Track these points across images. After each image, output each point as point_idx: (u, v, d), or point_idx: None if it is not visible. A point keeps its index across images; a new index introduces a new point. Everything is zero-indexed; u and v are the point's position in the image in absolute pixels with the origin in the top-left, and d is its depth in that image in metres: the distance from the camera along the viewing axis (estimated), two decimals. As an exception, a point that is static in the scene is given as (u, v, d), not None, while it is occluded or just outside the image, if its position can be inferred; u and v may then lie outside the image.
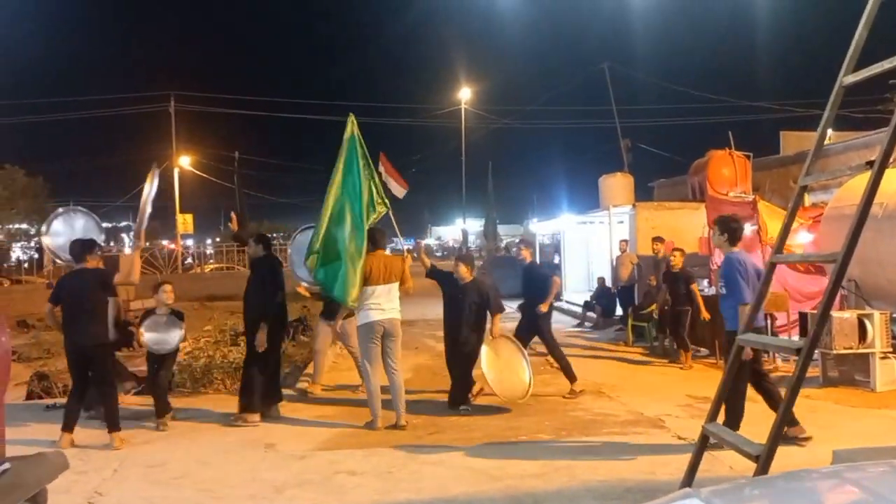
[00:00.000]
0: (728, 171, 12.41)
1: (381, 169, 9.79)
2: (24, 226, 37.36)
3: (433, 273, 7.93)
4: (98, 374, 6.49)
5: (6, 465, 2.82)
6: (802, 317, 8.81)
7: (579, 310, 16.09)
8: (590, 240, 19.58)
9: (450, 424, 7.19)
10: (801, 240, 10.02)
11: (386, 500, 5.07)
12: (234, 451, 6.27)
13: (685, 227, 13.65)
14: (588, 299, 15.77)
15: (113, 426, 6.37)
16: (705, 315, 9.71)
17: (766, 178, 15.72)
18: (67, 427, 6.36)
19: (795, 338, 8.81)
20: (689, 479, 4.15)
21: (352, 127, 7.37)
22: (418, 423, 7.21)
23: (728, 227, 6.20)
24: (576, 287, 19.14)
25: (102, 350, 6.53)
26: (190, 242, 43.33)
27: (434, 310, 19.44)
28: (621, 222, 16.10)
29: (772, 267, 4.10)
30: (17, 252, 38.03)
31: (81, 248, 6.66)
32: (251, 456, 6.17)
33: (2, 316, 3.09)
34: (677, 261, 10.20)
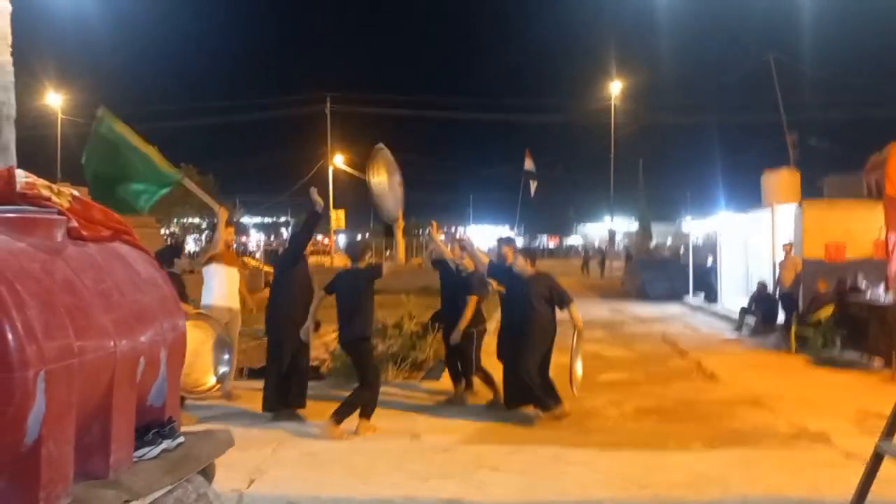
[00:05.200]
0: (911, 166, 11.25)
1: (528, 165, 9.80)
2: (197, 220, 40.59)
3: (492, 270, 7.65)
4: (361, 365, 6.96)
5: (181, 439, 3.06)
6: None
7: (735, 315, 15.24)
8: (749, 240, 18.46)
9: (595, 427, 7.04)
10: None
11: (528, 499, 5.04)
12: (381, 441, 6.48)
13: (859, 227, 12.54)
14: (746, 304, 14.89)
15: (365, 414, 6.75)
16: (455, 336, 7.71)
17: (956, 175, 14.14)
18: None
19: None
20: (859, 500, 3.83)
21: (107, 119, 7.69)
22: (561, 424, 7.11)
23: None
24: (733, 290, 18.14)
25: (364, 343, 6.99)
26: (342, 237, 45.27)
27: (580, 309, 19.14)
28: (786, 222, 15.07)
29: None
30: (190, 244, 41.49)
31: (361, 249, 7.59)
32: (397, 446, 6.34)
33: (180, 302, 3.36)
34: (469, 262, 7.88)
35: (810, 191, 19.53)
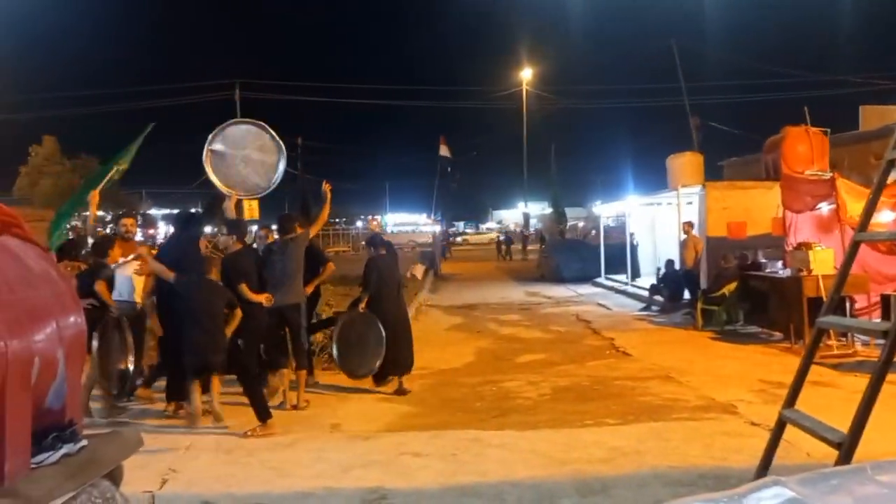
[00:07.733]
0: (804, 148, 11.85)
1: (443, 152, 9.82)
2: (101, 213, 38.82)
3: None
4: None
5: (83, 443, 2.89)
6: (885, 299, 8.41)
7: (646, 293, 15.76)
8: (656, 221, 19.09)
9: (514, 408, 7.14)
10: (884, 219, 9.50)
11: (451, 482, 5.05)
12: (301, 432, 6.37)
13: (758, 206, 13.14)
14: (655, 282, 15.42)
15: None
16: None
17: (844, 155, 15.01)
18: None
19: (877, 321, 8.39)
20: (764, 466, 3.99)
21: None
22: (481, 407, 7.18)
23: None
24: (642, 270, 18.73)
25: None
26: (254, 228, 44.08)
27: (497, 293, 19.31)
28: (690, 203, 15.64)
29: (855, 246, 3.88)
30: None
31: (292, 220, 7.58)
32: (318, 437, 6.25)
33: (76, 296, 3.18)
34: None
35: (713, 172, 20.38)
